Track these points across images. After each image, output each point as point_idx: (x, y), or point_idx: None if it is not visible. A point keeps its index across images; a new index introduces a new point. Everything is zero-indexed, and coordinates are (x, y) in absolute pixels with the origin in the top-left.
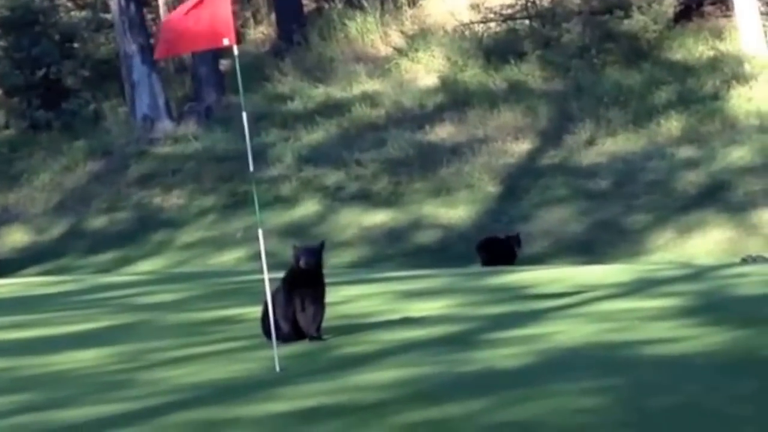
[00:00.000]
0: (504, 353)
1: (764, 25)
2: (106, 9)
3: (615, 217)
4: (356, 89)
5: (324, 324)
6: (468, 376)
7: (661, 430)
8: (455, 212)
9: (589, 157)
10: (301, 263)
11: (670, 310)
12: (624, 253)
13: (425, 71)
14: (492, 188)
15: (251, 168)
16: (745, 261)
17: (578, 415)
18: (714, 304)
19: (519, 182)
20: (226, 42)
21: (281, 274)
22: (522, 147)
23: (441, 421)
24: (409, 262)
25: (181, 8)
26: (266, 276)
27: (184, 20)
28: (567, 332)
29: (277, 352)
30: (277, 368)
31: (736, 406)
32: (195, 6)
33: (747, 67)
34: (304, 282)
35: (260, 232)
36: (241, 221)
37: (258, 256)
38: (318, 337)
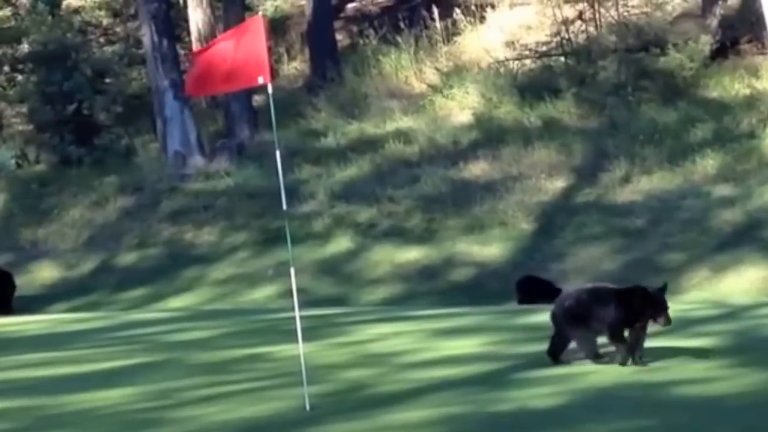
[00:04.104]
0: (537, 393)
1: None
2: (138, 44)
3: (650, 256)
4: (390, 126)
5: (355, 362)
6: (501, 416)
7: None
8: (489, 250)
9: (624, 194)
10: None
11: (705, 350)
12: None
13: (459, 108)
14: (526, 226)
15: (284, 206)
16: None
17: None
18: (749, 344)
19: (553, 220)
20: (261, 80)
21: (313, 312)
22: (556, 184)
23: None
24: (442, 300)
25: (213, 44)
26: (297, 314)
27: (216, 58)
28: (601, 372)
29: (307, 391)
30: (308, 407)
31: None
32: (226, 42)
33: None
34: None
35: (292, 270)
36: (272, 258)
37: (289, 293)
38: None
